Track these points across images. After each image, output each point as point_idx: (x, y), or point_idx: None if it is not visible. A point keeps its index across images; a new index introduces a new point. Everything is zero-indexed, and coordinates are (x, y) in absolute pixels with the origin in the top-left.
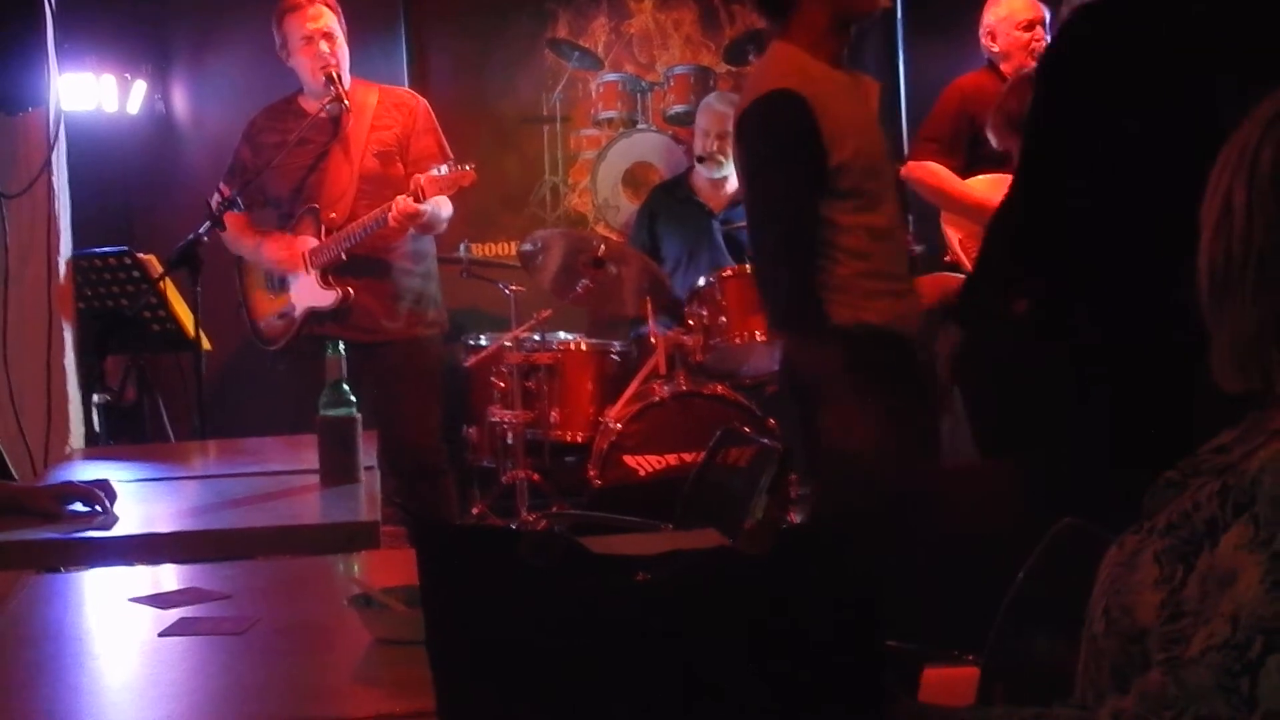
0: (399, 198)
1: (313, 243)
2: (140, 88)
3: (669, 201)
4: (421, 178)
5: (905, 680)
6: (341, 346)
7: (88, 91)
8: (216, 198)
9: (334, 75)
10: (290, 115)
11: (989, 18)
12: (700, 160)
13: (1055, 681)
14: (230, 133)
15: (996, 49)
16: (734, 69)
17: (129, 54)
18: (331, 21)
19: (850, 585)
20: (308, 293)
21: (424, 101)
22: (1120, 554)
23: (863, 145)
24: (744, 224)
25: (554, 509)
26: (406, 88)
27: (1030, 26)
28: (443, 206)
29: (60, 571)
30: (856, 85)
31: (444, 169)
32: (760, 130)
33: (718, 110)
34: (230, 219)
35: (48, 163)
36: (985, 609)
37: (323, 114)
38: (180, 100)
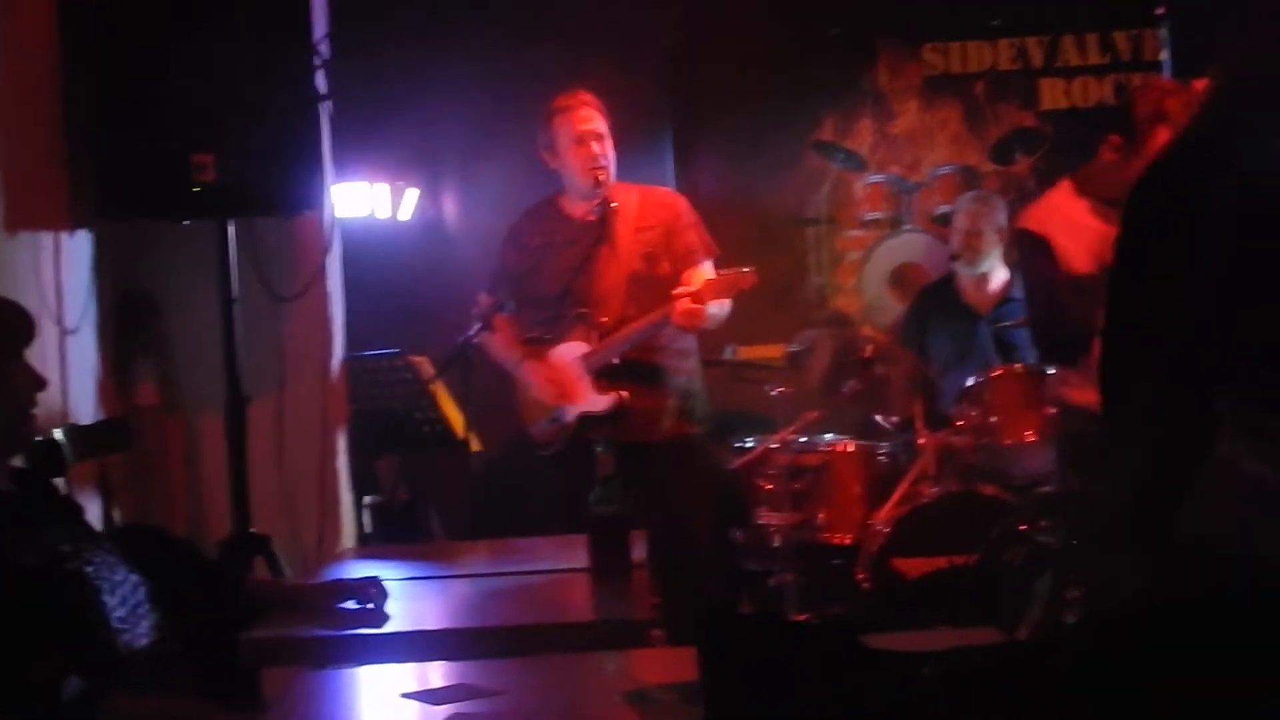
0: (681, 300)
1: (583, 348)
2: (413, 195)
3: (936, 302)
4: (698, 278)
5: None
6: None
7: (361, 199)
8: (479, 307)
9: (602, 179)
10: (552, 217)
11: None
12: (954, 258)
13: None
14: (500, 236)
15: None
16: (1000, 168)
17: (401, 163)
18: (600, 124)
19: (1151, 684)
20: (581, 398)
21: (683, 198)
22: None
23: None
24: (1012, 323)
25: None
26: (664, 188)
27: None
28: (725, 305)
29: (332, 668)
30: None
31: (707, 266)
32: None
33: (968, 209)
34: (499, 322)
35: (323, 267)
36: None
37: (590, 216)
38: (450, 206)
